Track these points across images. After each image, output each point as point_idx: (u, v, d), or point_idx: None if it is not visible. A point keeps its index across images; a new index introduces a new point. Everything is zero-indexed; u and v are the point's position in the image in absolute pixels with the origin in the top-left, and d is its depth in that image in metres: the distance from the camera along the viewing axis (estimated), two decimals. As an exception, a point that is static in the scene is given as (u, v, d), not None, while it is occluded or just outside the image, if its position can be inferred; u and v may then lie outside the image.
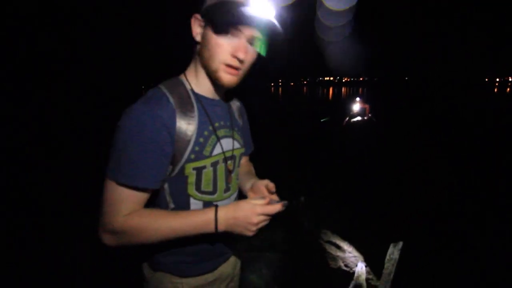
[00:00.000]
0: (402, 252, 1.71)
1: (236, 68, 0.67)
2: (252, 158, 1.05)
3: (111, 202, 0.62)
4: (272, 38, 0.68)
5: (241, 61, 0.66)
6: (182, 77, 0.73)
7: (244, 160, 1.00)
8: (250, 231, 0.65)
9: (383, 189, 3.73)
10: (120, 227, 0.62)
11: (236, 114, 0.87)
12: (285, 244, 2.50)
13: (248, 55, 0.67)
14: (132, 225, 0.62)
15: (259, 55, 0.71)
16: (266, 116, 11.25)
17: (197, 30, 0.68)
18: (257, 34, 0.65)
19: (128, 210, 0.63)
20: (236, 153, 0.81)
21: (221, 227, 0.64)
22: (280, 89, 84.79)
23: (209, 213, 0.64)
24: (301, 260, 2.29)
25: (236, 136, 0.82)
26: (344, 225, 2.83)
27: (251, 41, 0.66)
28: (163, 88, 0.68)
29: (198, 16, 0.67)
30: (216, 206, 0.66)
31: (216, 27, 0.63)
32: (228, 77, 0.67)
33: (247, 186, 0.86)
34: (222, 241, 0.80)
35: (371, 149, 4.51)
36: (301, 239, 2.58)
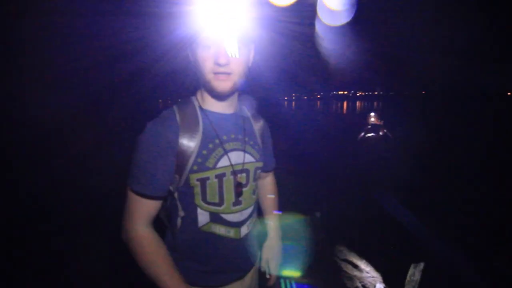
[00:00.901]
0: (424, 273, 1.64)
1: (224, 73, 0.72)
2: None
3: (128, 209, 0.74)
4: (238, 19, 0.70)
5: (225, 65, 0.71)
6: (193, 97, 0.83)
7: (269, 180, 1.06)
8: None
9: (402, 205, 3.60)
10: (132, 237, 0.73)
11: (256, 130, 0.89)
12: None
13: (232, 58, 0.71)
14: (139, 245, 0.72)
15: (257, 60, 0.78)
16: (279, 129, 11.28)
17: (191, 59, 0.77)
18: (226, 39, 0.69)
19: (142, 218, 0.73)
20: (249, 166, 0.83)
21: None
22: (293, 103, 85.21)
23: None
24: (315, 279, 2.22)
25: (250, 149, 0.83)
26: (362, 242, 2.73)
27: (234, 45, 0.70)
28: (174, 108, 0.79)
29: (189, 51, 0.76)
30: None
31: (196, 47, 0.72)
32: (220, 84, 0.73)
33: (264, 251, 1.01)
34: (239, 257, 0.83)
35: (388, 163, 4.41)
36: (316, 257, 2.51)
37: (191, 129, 0.75)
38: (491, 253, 2.58)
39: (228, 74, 0.72)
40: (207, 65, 0.72)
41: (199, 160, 0.75)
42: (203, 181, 0.76)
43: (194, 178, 0.75)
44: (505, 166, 5.47)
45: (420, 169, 4.88)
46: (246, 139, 0.83)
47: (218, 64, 0.70)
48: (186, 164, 0.74)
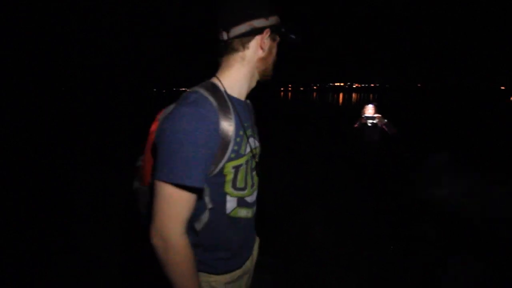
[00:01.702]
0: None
1: None
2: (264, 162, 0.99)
3: (165, 210, 0.63)
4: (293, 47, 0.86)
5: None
6: (215, 80, 0.76)
7: None
8: None
9: (402, 201, 3.53)
10: (172, 245, 0.63)
11: (252, 115, 0.92)
12: (290, 252, 2.38)
13: None
14: (177, 254, 0.64)
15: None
16: (274, 118, 11.18)
17: (266, 42, 0.76)
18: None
19: (183, 220, 0.65)
20: (258, 150, 0.86)
21: None
22: (289, 94, 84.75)
23: None
24: (305, 269, 2.14)
25: (256, 134, 0.87)
26: (357, 238, 2.65)
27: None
28: (202, 91, 0.70)
29: (268, 31, 0.75)
30: None
31: (281, 38, 0.81)
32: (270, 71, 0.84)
33: None
34: (250, 235, 0.89)
35: (383, 153, 4.38)
36: (312, 253, 2.43)
37: (226, 116, 0.70)
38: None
39: None
40: (274, 60, 0.81)
41: (236, 147, 0.73)
42: (237, 168, 0.75)
43: (230, 166, 0.72)
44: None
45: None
46: (253, 124, 0.87)
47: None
48: (225, 153, 0.70)
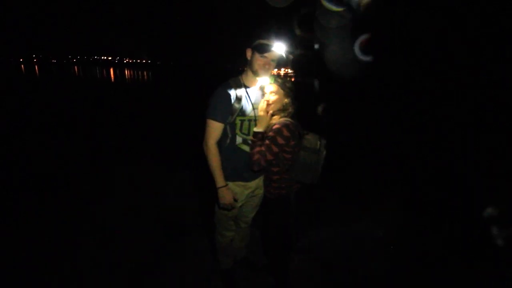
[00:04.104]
0: None
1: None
2: None
3: (208, 132, 1.60)
4: (280, 59, 1.66)
5: (267, 68, 1.63)
6: (240, 77, 1.71)
7: None
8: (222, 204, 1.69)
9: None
10: (207, 147, 1.61)
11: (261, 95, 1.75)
12: None
13: (271, 65, 1.63)
14: (209, 152, 1.61)
15: None
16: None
17: (249, 54, 1.65)
18: (274, 57, 1.62)
19: (214, 138, 1.61)
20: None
21: (219, 187, 1.65)
22: (36, 66, 62.86)
23: (222, 183, 1.64)
24: None
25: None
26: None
27: (273, 60, 1.63)
28: (231, 82, 1.66)
29: (249, 49, 1.65)
30: (227, 184, 1.67)
31: (258, 53, 1.60)
32: (262, 72, 1.63)
33: None
34: (247, 165, 1.64)
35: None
36: None
37: (238, 97, 1.62)
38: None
39: (268, 70, 1.65)
40: (261, 64, 1.61)
41: (243, 111, 1.64)
42: (242, 121, 1.65)
43: (239, 119, 1.64)
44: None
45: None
46: (258, 102, 1.72)
47: (265, 65, 1.62)
48: (235, 112, 1.61)
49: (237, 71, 1.87)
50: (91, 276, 2.07)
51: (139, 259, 2.26)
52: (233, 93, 1.60)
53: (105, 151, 5.13)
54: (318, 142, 1.65)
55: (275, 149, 1.52)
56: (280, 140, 1.53)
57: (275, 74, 1.73)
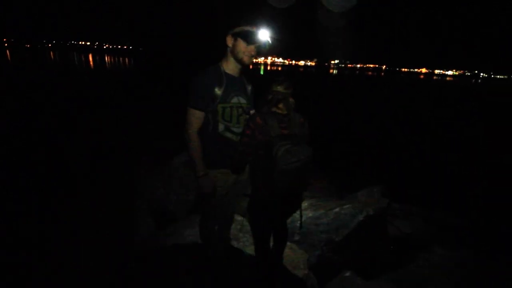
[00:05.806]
0: None
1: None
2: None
3: (188, 120, 1.56)
4: (265, 46, 1.62)
5: (252, 56, 1.60)
6: (219, 63, 1.63)
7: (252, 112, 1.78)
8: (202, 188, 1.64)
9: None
10: (188, 136, 1.57)
11: (247, 86, 1.75)
12: None
13: (255, 52, 1.60)
14: (190, 140, 1.57)
15: None
16: None
17: (230, 41, 1.58)
18: (259, 44, 1.58)
19: (195, 126, 1.56)
20: (243, 105, 1.67)
21: (199, 176, 1.60)
22: (7, 51, 58.87)
23: (203, 170, 1.60)
24: None
25: (244, 96, 1.68)
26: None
27: (257, 47, 1.59)
28: (211, 69, 1.60)
29: (230, 36, 1.58)
30: (207, 173, 1.62)
31: (243, 40, 1.54)
32: (247, 60, 1.59)
33: None
34: (232, 153, 1.61)
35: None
36: None
37: (219, 83, 1.56)
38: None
39: (252, 58, 1.63)
40: (245, 51, 1.56)
41: (223, 98, 1.57)
42: (224, 109, 1.59)
43: (220, 106, 1.57)
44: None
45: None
46: (244, 91, 1.70)
47: (250, 53, 1.58)
48: (216, 99, 1.55)
49: (216, 58, 1.69)
50: (85, 268, 2.05)
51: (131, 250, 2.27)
52: (213, 80, 1.53)
53: (83, 144, 4.97)
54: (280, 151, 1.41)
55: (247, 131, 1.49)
56: (252, 125, 1.49)
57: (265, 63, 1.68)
